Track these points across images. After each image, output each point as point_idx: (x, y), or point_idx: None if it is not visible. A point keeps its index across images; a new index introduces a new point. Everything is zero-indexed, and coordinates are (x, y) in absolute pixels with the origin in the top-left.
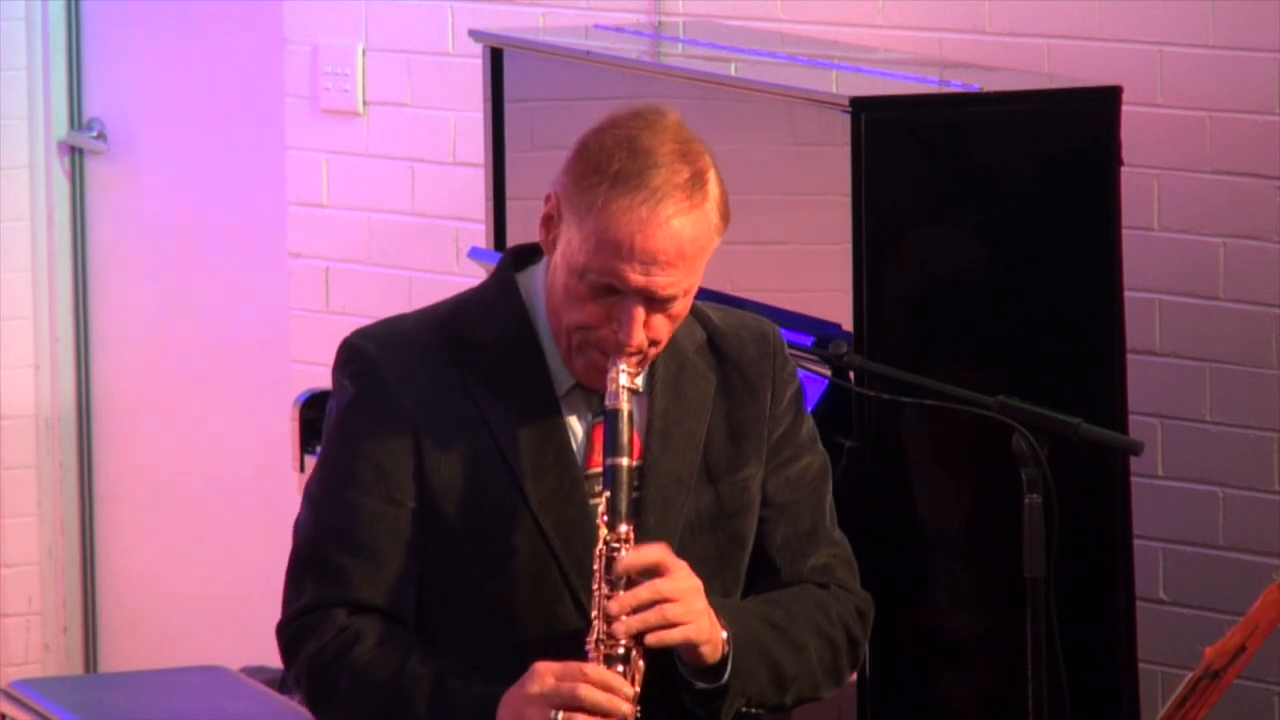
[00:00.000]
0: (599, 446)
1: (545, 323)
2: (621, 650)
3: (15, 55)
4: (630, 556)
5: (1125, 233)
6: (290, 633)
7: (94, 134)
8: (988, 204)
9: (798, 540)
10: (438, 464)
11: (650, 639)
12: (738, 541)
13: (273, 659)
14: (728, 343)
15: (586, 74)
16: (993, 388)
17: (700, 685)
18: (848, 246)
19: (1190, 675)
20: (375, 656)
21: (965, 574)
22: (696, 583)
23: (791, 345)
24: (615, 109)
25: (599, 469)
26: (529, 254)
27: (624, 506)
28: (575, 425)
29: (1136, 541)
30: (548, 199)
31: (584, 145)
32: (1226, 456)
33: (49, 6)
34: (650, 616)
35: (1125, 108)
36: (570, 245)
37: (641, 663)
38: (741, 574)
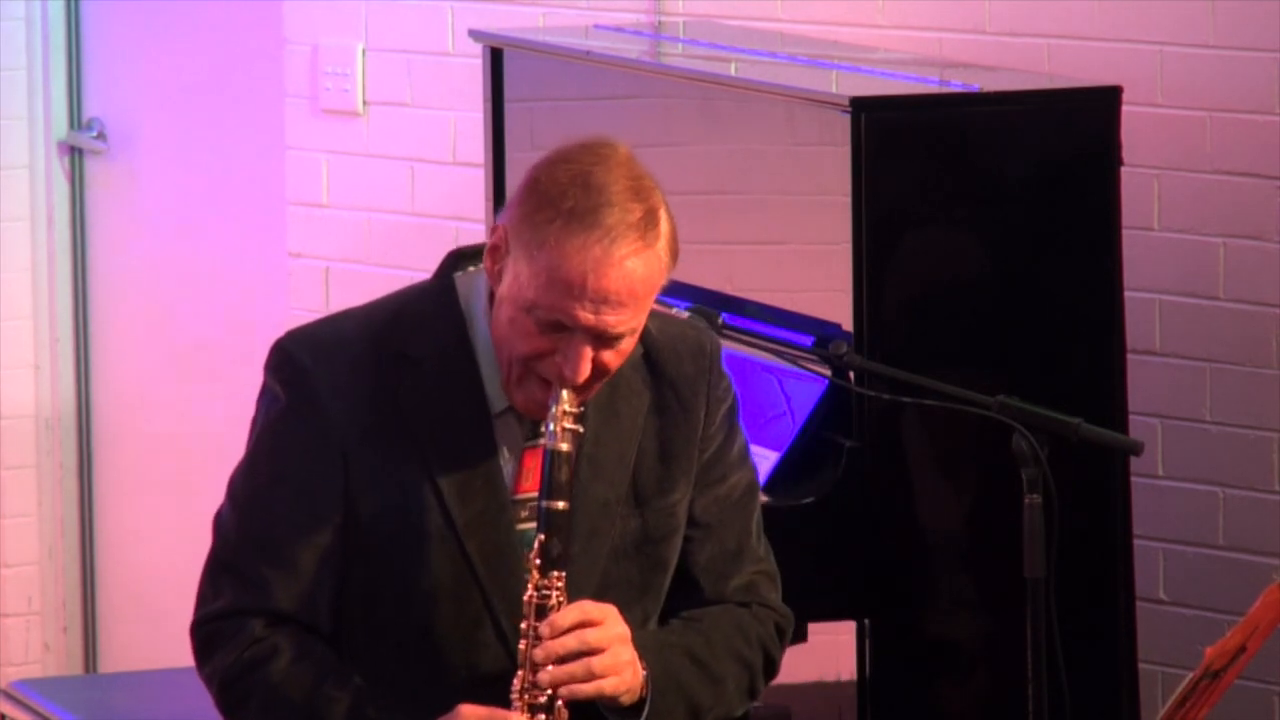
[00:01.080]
0: (528, 471)
1: (483, 336)
2: (545, 699)
3: (15, 55)
4: (558, 616)
5: (1125, 233)
6: (204, 635)
7: (94, 134)
8: (988, 204)
9: (722, 561)
10: (365, 481)
11: (562, 692)
12: (661, 566)
13: None
14: (665, 358)
15: (586, 74)
16: (993, 388)
17: None
18: (848, 246)
19: (1190, 675)
20: (290, 674)
21: (965, 574)
22: (624, 630)
23: (791, 345)
24: (564, 142)
25: (527, 494)
26: (470, 255)
27: (556, 552)
28: (506, 448)
29: (1136, 541)
30: (495, 230)
31: (535, 180)
32: (1226, 456)
33: (49, 6)
34: (575, 669)
35: (1125, 108)
36: (519, 280)
37: (566, 713)
38: (662, 597)
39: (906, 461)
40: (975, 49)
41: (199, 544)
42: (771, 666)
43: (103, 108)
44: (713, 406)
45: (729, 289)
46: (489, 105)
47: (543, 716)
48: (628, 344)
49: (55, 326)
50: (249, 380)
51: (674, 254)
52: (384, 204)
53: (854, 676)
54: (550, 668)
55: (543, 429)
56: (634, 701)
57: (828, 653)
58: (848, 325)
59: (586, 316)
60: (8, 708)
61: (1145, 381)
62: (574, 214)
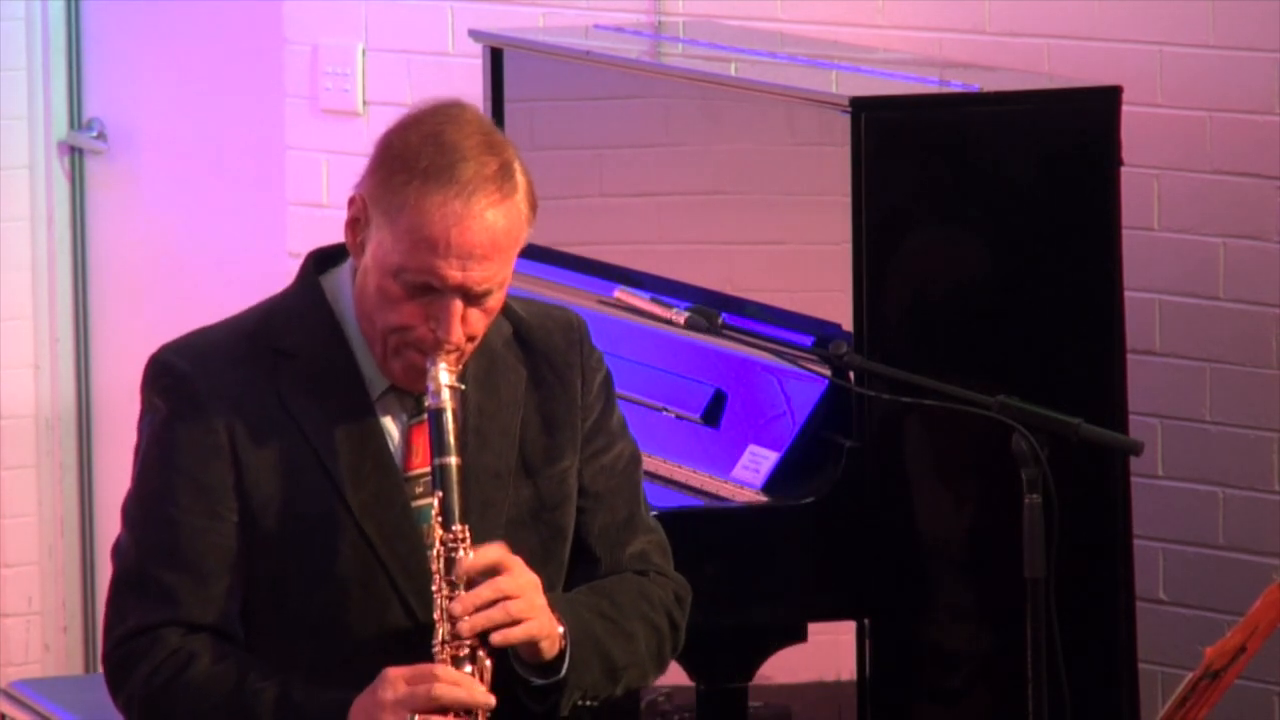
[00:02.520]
0: (416, 448)
1: (355, 327)
2: (467, 650)
3: (15, 55)
4: (470, 560)
5: (1125, 233)
6: (118, 659)
7: (94, 134)
8: (988, 204)
9: (616, 529)
10: (256, 476)
11: (495, 638)
12: (559, 535)
13: None
14: (535, 335)
15: (586, 74)
16: (993, 388)
17: (538, 682)
18: (848, 246)
19: (1190, 675)
20: (212, 675)
21: (965, 574)
22: (534, 578)
23: (791, 345)
24: (413, 106)
25: (418, 471)
26: (330, 257)
27: (456, 506)
28: (391, 428)
29: (1136, 541)
30: (352, 202)
31: (388, 144)
32: (1226, 456)
33: (49, 6)
34: (494, 614)
35: (1125, 108)
36: (382, 247)
37: (489, 661)
38: (564, 566)
39: (906, 462)
40: (975, 49)
41: None
42: (677, 633)
43: (103, 108)
44: (588, 376)
45: (729, 289)
46: (489, 105)
47: (468, 667)
48: (495, 301)
49: (55, 326)
50: None
51: (533, 206)
52: None
53: (854, 676)
54: (468, 617)
55: (426, 400)
56: (551, 659)
57: (828, 653)
58: (848, 325)
59: (453, 274)
60: (8, 708)
61: (1145, 381)
62: (429, 172)
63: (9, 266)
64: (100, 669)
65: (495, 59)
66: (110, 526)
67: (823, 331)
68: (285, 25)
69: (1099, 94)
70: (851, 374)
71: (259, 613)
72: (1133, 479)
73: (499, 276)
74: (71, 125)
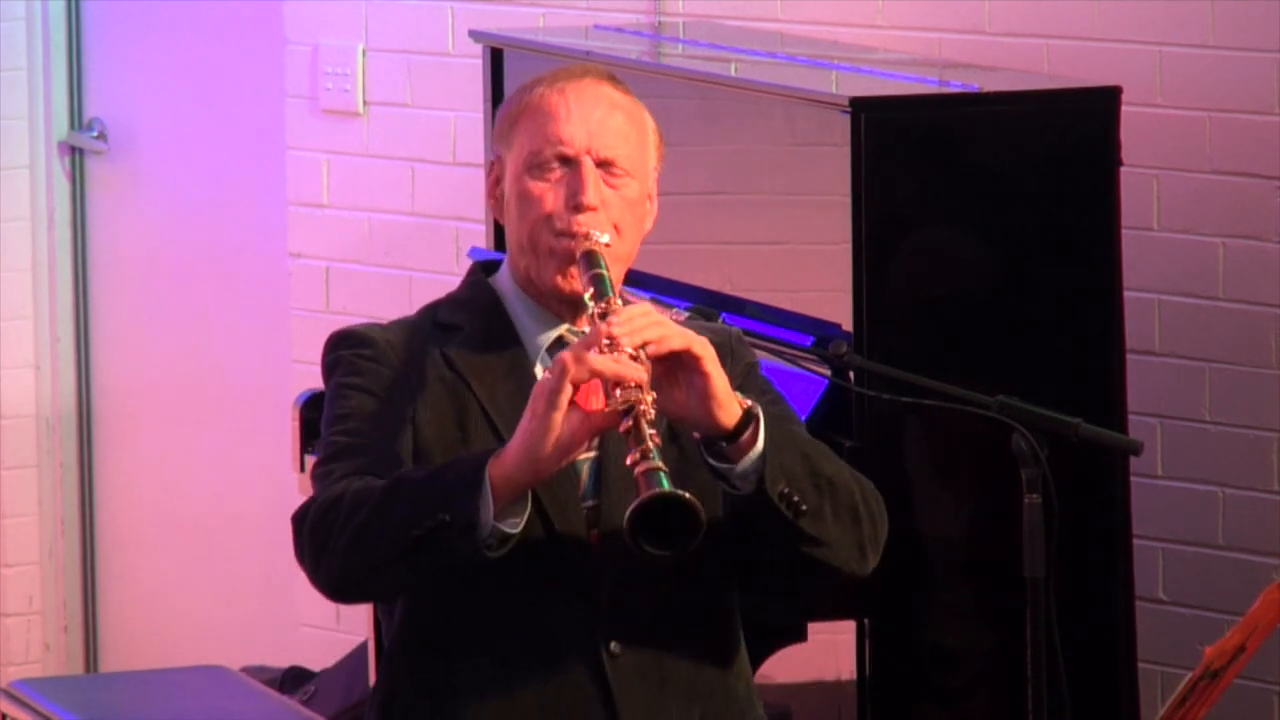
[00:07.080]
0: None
1: (516, 307)
2: (624, 407)
3: (15, 55)
4: (628, 310)
5: (1125, 233)
6: (303, 530)
7: (94, 134)
8: (988, 204)
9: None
10: (426, 418)
11: (653, 348)
12: (710, 490)
13: (273, 659)
14: (684, 325)
15: None
16: (993, 388)
17: (737, 469)
18: (848, 246)
19: (1190, 675)
20: (372, 480)
21: (965, 574)
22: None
23: (791, 345)
24: None
25: None
26: (493, 267)
27: (609, 283)
28: None
29: (1136, 541)
30: (490, 166)
31: (507, 97)
32: (1226, 456)
33: (49, 6)
34: (654, 327)
35: (1125, 108)
36: (515, 162)
37: (653, 401)
38: (716, 530)
39: (906, 461)
40: (975, 49)
41: (198, 543)
42: (874, 516)
43: (103, 108)
44: (736, 358)
45: (729, 289)
46: (489, 105)
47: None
48: (631, 192)
49: (55, 326)
50: (250, 380)
51: (660, 135)
52: (384, 204)
53: (854, 676)
54: (628, 331)
55: (577, 253)
56: (735, 427)
57: (828, 653)
58: (848, 325)
59: (579, 134)
60: (8, 707)
61: (1145, 381)
62: (542, 80)
63: (9, 266)
64: (100, 669)
65: (495, 59)
66: (110, 526)
67: (823, 331)
68: (285, 25)
69: (1099, 94)
70: (851, 374)
71: None
72: (1133, 479)
73: (624, 150)
74: (71, 125)
